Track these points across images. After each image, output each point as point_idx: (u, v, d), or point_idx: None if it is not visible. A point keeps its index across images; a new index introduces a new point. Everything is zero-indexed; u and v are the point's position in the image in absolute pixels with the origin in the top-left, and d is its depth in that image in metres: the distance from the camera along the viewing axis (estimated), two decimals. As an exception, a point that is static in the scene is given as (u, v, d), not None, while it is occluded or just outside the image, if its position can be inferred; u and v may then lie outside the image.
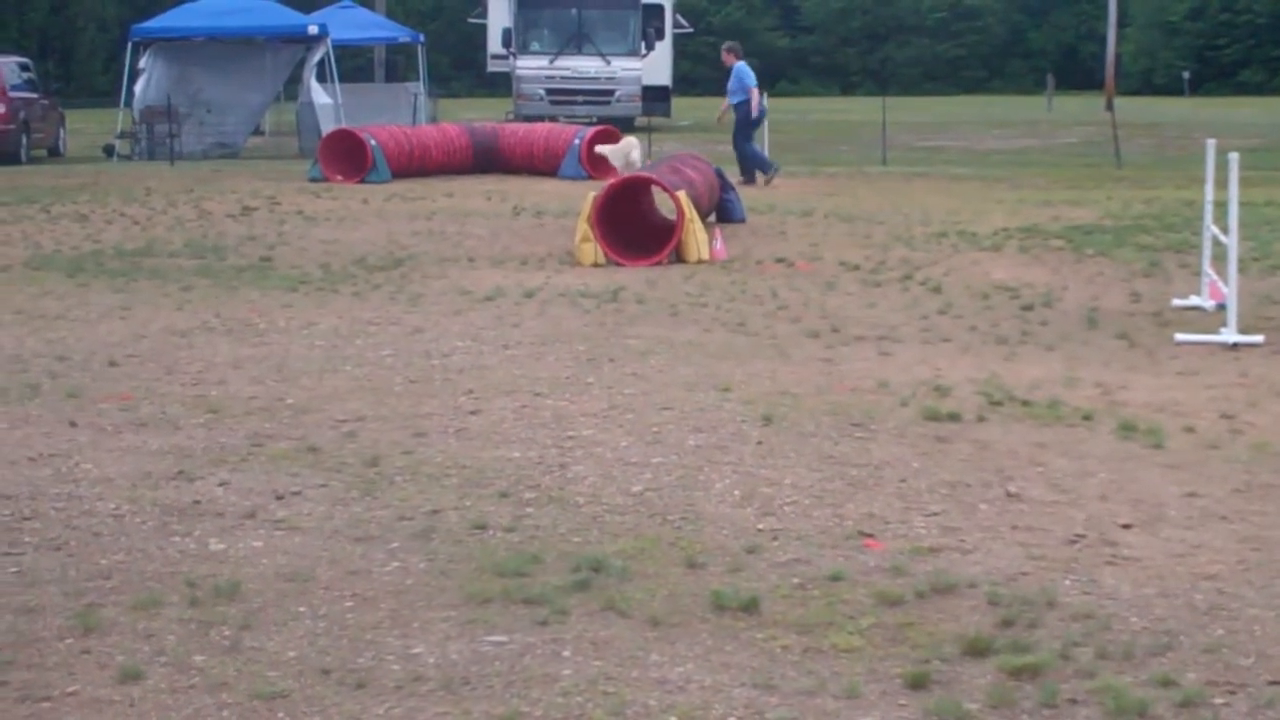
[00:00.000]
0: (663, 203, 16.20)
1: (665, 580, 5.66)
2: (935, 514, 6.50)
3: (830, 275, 13.80)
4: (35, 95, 33.11)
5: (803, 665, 4.90)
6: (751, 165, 24.44)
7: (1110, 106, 47.77)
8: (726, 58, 25.13)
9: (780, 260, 14.81)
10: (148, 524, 6.42)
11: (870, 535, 6.20)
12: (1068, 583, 5.64)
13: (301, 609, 5.40)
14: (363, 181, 24.00)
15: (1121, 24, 64.27)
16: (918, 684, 4.71)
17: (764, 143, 29.11)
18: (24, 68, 33.99)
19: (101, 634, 5.19)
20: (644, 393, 8.86)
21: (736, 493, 6.82)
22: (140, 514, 6.55)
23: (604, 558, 5.85)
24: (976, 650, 4.94)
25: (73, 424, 8.16)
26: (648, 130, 34.58)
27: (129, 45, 33.04)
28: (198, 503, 6.71)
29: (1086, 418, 8.20)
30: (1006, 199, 21.54)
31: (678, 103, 48.76)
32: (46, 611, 5.41)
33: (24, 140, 31.58)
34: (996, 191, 22.94)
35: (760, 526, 6.33)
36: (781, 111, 39.45)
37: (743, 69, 24.88)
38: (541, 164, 25.92)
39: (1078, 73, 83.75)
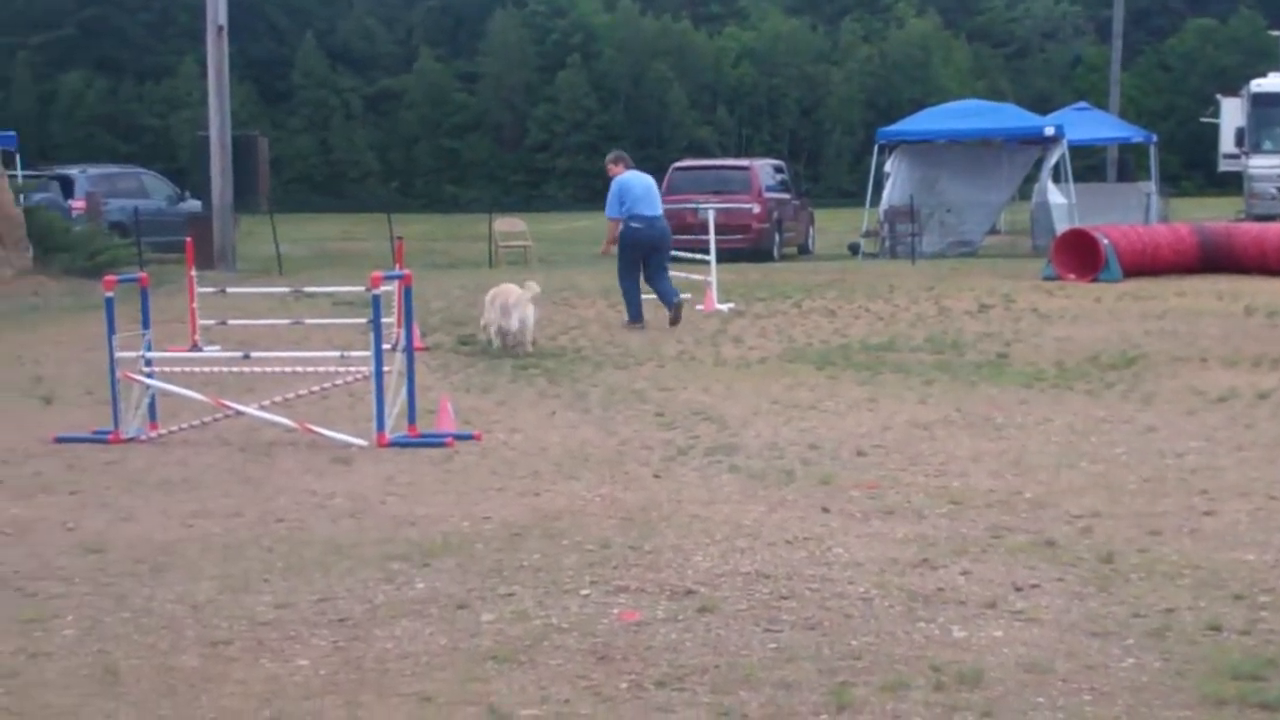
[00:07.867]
0: None
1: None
2: None
3: None
4: (788, 195, 34.92)
5: None
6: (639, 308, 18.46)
7: None
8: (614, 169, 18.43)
9: None
10: (895, 609, 6.77)
11: None
12: None
13: (1040, 699, 5.61)
14: (1095, 280, 24.03)
15: None
16: None
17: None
18: (778, 169, 36.01)
19: (853, 712, 5.51)
20: (1389, 502, 8.64)
21: None
22: (888, 598, 6.91)
23: (1344, 665, 5.82)
24: None
25: (825, 509, 8.67)
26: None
27: (875, 148, 34.47)
28: (941, 590, 7.03)
29: None
30: None
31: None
32: (802, 687, 5.77)
33: (777, 239, 33.34)
34: None
35: None
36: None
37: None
38: (1275, 264, 25.02)
39: None
